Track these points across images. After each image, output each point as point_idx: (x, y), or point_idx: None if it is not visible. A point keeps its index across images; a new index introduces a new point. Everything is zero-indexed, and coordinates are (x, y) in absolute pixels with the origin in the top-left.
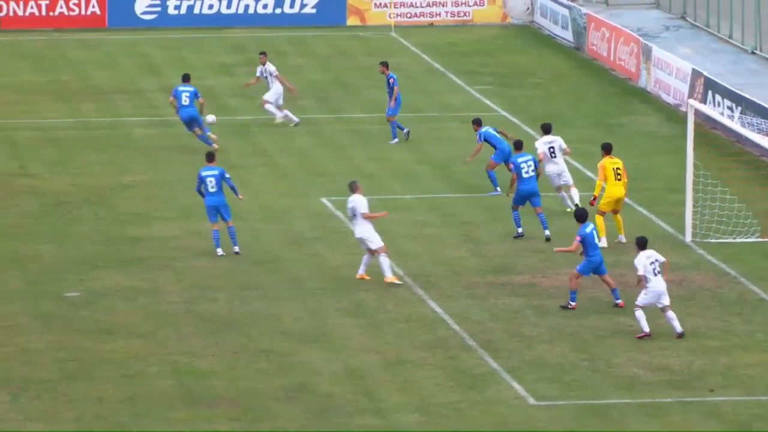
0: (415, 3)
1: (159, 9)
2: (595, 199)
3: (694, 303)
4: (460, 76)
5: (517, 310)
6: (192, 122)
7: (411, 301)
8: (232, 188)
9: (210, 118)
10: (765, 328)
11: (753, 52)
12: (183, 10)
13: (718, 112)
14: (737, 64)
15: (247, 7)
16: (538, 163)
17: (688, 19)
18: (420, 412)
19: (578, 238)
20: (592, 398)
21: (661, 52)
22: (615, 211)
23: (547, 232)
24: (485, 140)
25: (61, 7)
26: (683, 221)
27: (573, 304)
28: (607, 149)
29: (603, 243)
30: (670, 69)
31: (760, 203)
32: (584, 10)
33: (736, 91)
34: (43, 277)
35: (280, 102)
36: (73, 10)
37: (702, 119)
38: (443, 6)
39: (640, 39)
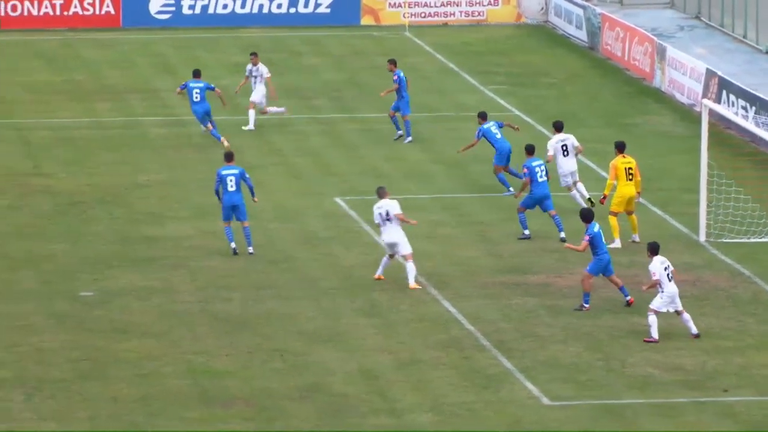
0: (430, 3)
1: (173, 9)
2: (605, 197)
3: (708, 303)
4: (474, 75)
5: (531, 310)
6: (204, 118)
7: (425, 301)
8: (251, 188)
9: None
10: None
11: (767, 52)
12: (197, 10)
13: (732, 112)
14: (751, 64)
15: (261, 6)
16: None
17: (702, 18)
18: (434, 412)
19: (587, 238)
20: (606, 398)
21: (675, 52)
22: (629, 212)
23: (563, 234)
24: (484, 137)
25: (76, 7)
26: (697, 221)
27: (587, 306)
28: (620, 148)
29: (617, 244)
30: (685, 69)
31: None
32: (599, 9)
33: (751, 91)
34: (58, 277)
35: (264, 103)
36: (88, 10)
37: (716, 119)
38: (457, 6)
39: (655, 39)
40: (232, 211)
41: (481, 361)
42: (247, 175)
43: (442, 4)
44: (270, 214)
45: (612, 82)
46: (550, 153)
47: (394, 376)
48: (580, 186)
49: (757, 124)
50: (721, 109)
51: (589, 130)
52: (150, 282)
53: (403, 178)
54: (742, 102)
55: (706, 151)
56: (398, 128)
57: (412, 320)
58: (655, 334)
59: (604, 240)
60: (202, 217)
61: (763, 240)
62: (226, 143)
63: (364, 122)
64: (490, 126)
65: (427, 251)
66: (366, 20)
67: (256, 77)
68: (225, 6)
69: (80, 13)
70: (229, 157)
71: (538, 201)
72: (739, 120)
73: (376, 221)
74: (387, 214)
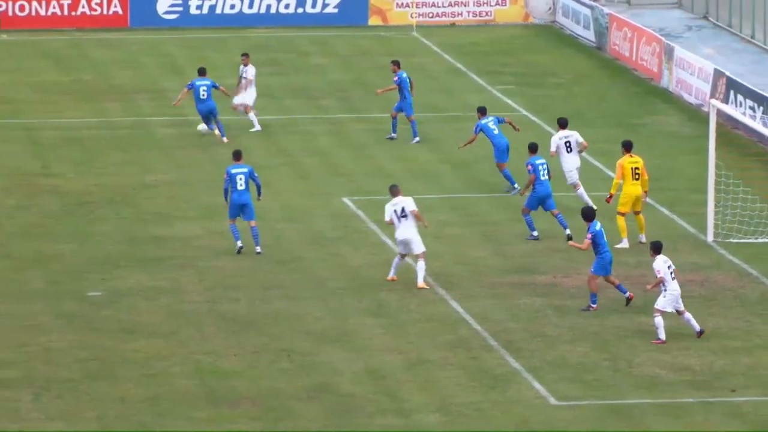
0: (437, 3)
1: (181, 9)
2: (611, 196)
3: (715, 303)
4: (481, 75)
5: (539, 309)
6: (209, 116)
7: (433, 301)
8: (258, 187)
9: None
10: None
11: None
12: (205, 10)
13: (740, 112)
14: (759, 64)
15: (269, 6)
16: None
17: (710, 18)
18: (441, 412)
19: (589, 236)
20: (614, 398)
21: (683, 52)
22: (636, 212)
23: (568, 231)
24: (482, 132)
25: (83, 7)
26: (705, 221)
27: (594, 306)
28: (627, 147)
29: (624, 244)
30: (692, 69)
31: None
32: (606, 9)
33: (758, 91)
34: (66, 277)
35: (250, 103)
36: (96, 10)
37: (724, 119)
38: (465, 6)
39: (662, 39)
40: (240, 209)
41: (488, 361)
42: (256, 174)
43: (450, 5)
44: (277, 214)
45: (620, 83)
46: (553, 149)
47: (401, 376)
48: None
49: (764, 125)
50: (729, 109)
51: (597, 130)
52: (158, 282)
53: (411, 178)
54: (749, 102)
55: (714, 152)
56: (394, 131)
57: (419, 320)
58: (662, 335)
59: (605, 238)
60: (209, 217)
61: None
62: (225, 140)
63: (372, 122)
64: (488, 121)
65: (435, 251)
66: (373, 20)
67: (244, 78)
68: (232, 6)
69: (88, 13)
70: (237, 155)
71: (541, 200)
72: (746, 120)
73: (388, 218)
74: (402, 210)
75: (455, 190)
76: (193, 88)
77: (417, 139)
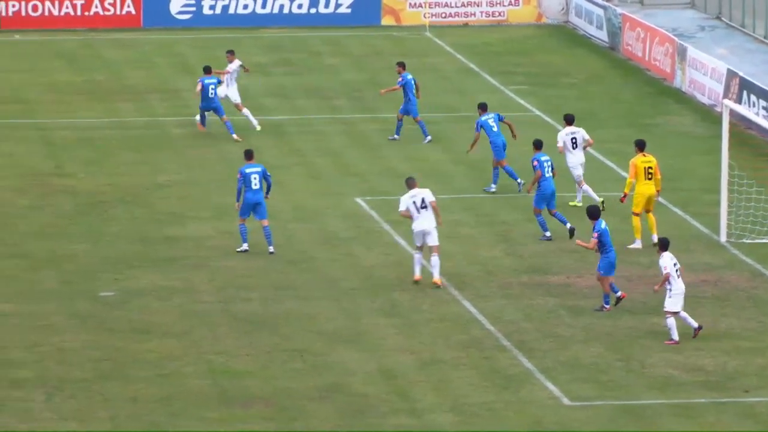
0: (450, 3)
1: (194, 9)
2: (625, 196)
3: (728, 303)
4: (494, 76)
5: (552, 310)
6: (218, 111)
7: (446, 301)
8: (269, 186)
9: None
10: None
11: None
12: (218, 10)
13: (753, 112)
14: None
15: (282, 6)
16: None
17: (723, 19)
18: (454, 412)
19: (595, 235)
20: (627, 399)
21: (696, 52)
22: (647, 210)
23: (569, 224)
24: (482, 128)
25: (96, 7)
26: (718, 221)
27: (607, 306)
28: (640, 146)
29: (637, 244)
30: (705, 69)
31: None
32: (619, 10)
33: None
34: (78, 277)
35: (238, 100)
36: (108, 10)
37: (737, 119)
38: (478, 6)
39: (675, 39)
40: (253, 209)
41: (501, 362)
42: (268, 174)
43: (463, 5)
44: (290, 214)
45: (633, 83)
46: (560, 145)
47: (414, 376)
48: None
49: None
50: (742, 109)
51: (610, 131)
52: (171, 282)
53: (423, 178)
54: (763, 102)
55: (727, 152)
56: (398, 132)
57: (432, 320)
58: (675, 336)
59: (610, 237)
60: (222, 217)
61: None
62: (236, 138)
63: (385, 122)
64: (489, 118)
65: (448, 251)
66: (386, 20)
67: (231, 74)
68: (246, 6)
69: (101, 13)
70: (250, 155)
71: (548, 197)
72: (760, 120)
73: (403, 209)
74: (423, 201)
75: (467, 190)
76: (203, 86)
77: (429, 138)
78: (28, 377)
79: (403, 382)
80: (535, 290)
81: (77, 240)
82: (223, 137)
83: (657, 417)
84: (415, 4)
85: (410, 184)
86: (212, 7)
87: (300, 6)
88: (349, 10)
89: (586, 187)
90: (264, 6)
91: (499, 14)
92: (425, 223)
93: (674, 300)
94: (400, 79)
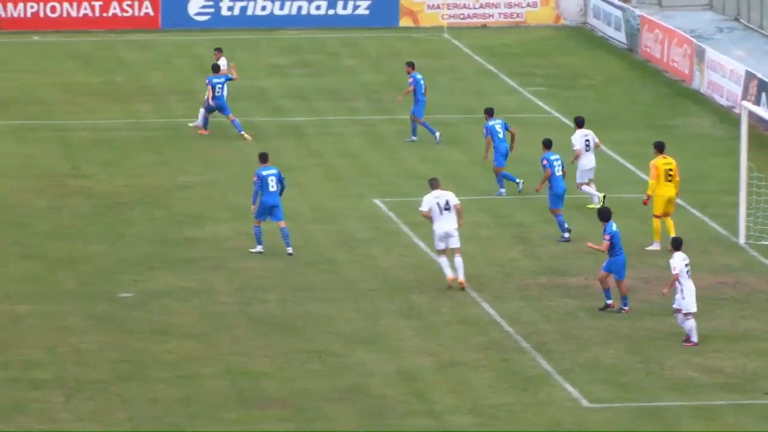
0: (468, 4)
1: (212, 10)
2: (648, 198)
3: (748, 305)
4: (512, 77)
5: (570, 311)
6: (224, 109)
7: (464, 303)
8: (283, 188)
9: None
10: None
11: None
12: (236, 12)
13: None
14: None
15: (300, 8)
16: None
17: (741, 20)
18: (473, 413)
19: (607, 237)
20: (646, 401)
21: (714, 54)
22: (666, 214)
23: (567, 227)
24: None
25: (115, 8)
26: (737, 223)
27: (626, 308)
28: (659, 148)
29: (656, 246)
30: (724, 71)
31: None
32: (637, 11)
33: None
34: (97, 278)
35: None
36: (127, 12)
37: (755, 121)
38: (496, 7)
39: (694, 41)
40: (270, 211)
41: (520, 363)
42: (282, 176)
43: (481, 6)
44: (308, 215)
45: (651, 84)
46: (577, 147)
47: (433, 377)
48: (592, 187)
49: None
50: (761, 110)
51: (628, 132)
52: (189, 283)
53: (442, 179)
54: None
55: (746, 153)
56: (414, 134)
57: (451, 322)
58: (694, 338)
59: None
60: (241, 218)
61: None
62: (247, 136)
63: (402, 124)
64: (496, 123)
65: (466, 253)
66: (404, 22)
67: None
68: (264, 8)
69: (119, 14)
70: (265, 157)
71: (561, 197)
72: None
73: (426, 208)
74: (447, 203)
75: (485, 191)
76: (211, 86)
77: (413, 138)
78: (46, 378)
79: (421, 384)
80: (554, 292)
81: (95, 241)
82: (241, 139)
83: (676, 419)
84: (433, 5)
85: (434, 184)
86: (230, 9)
87: (318, 7)
88: (367, 12)
89: (585, 187)
90: (282, 7)
91: (517, 15)
92: (447, 224)
93: (688, 301)
94: (411, 79)
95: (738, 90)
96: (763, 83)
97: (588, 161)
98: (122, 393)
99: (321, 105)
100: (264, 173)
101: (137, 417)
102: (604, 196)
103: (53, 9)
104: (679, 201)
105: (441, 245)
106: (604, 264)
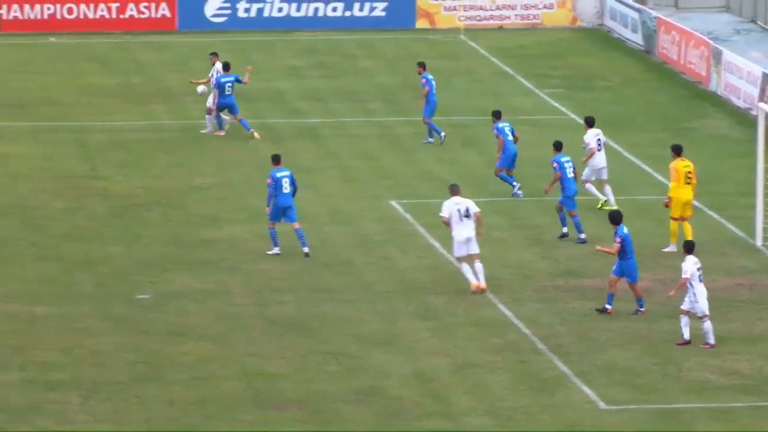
0: (485, 6)
1: (229, 12)
2: (670, 200)
3: (765, 307)
4: (529, 79)
5: (587, 313)
6: (232, 108)
7: (481, 305)
8: (295, 190)
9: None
10: None
11: None
12: (253, 13)
13: None
14: None
15: (316, 10)
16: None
17: (758, 22)
18: (489, 415)
19: (618, 240)
20: (663, 403)
21: (731, 56)
22: (683, 218)
23: (565, 230)
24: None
25: (132, 10)
26: (754, 225)
27: (642, 309)
28: (677, 151)
29: (672, 248)
30: (741, 72)
31: None
32: (654, 13)
33: None
34: (113, 280)
35: (210, 105)
36: (144, 13)
37: None
38: (513, 9)
39: (711, 42)
40: (284, 212)
41: (537, 365)
42: (294, 177)
43: (498, 8)
44: (325, 217)
45: (668, 86)
46: (592, 146)
47: (449, 379)
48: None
49: None
50: None
51: (645, 134)
52: (206, 285)
53: (458, 181)
54: None
55: (763, 155)
56: (431, 136)
57: (467, 324)
58: (711, 340)
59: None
60: (256, 219)
61: None
62: (257, 135)
63: (419, 125)
64: (505, 126)
65: (482, 255)
66: (421, 23)
67: (212, 77)
68: (280, 9)
69: (136, 16)
70: (277, 159)
71: (573, 198)
72: None
73: (446, 214)
74: (467, 210)
75: (501, 193)
76: (219, 85)
77: (431, 140)
78: (63, 380)
79: (438, 386)
80: (571, 294)
81: (112, 242)
82: (257, 141)
83: (693, 421)
84: (449, 7)
85: (454, 190)
86: (247, 10)
87: (335, 9)
88: (383, 14)
89: (589, 185)
90: (299, 9)
91: (534, 17)
92: (466, 231)
93: (702, 303)
94: (423, 80)
95: (755, 92)
96: None
97: (600, 160)
98: (139, 394)
99: (337, 106)
100: (278, 175)
101: (154, 418)
102: (605, 201)
103: (70, 11)
104: (696, 203)
105: (461, 252)
106: (614, 267)
